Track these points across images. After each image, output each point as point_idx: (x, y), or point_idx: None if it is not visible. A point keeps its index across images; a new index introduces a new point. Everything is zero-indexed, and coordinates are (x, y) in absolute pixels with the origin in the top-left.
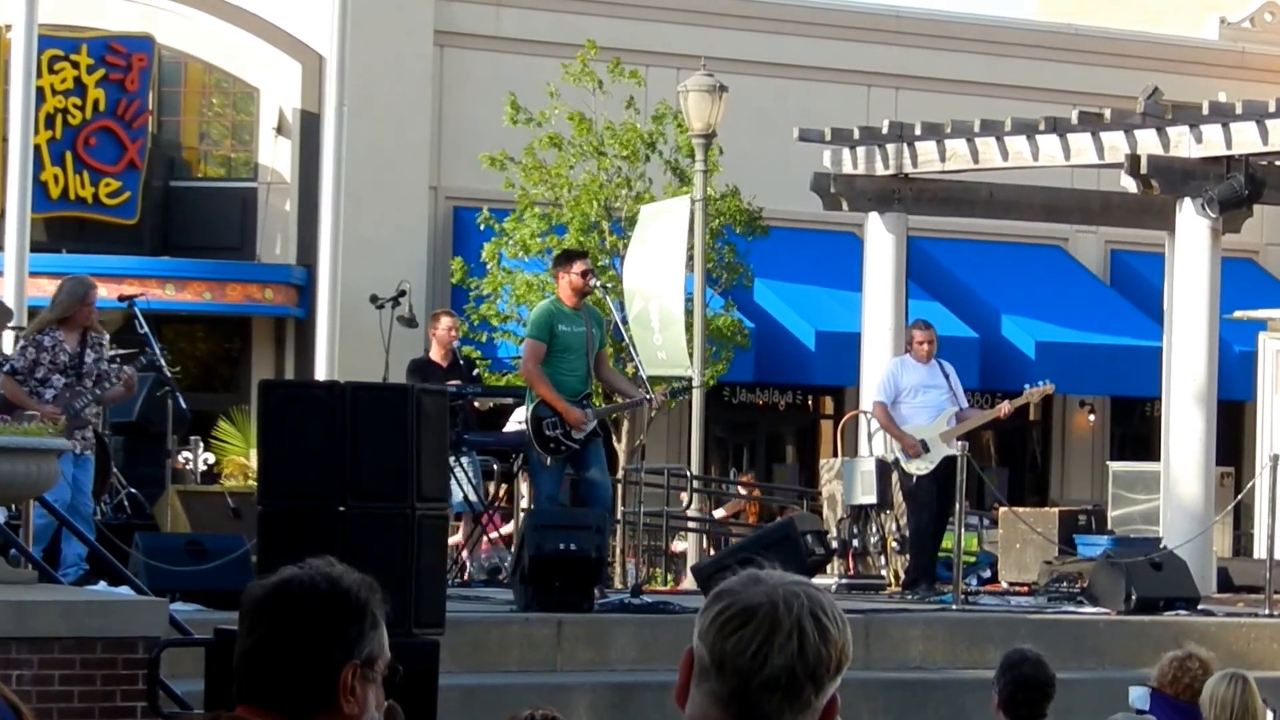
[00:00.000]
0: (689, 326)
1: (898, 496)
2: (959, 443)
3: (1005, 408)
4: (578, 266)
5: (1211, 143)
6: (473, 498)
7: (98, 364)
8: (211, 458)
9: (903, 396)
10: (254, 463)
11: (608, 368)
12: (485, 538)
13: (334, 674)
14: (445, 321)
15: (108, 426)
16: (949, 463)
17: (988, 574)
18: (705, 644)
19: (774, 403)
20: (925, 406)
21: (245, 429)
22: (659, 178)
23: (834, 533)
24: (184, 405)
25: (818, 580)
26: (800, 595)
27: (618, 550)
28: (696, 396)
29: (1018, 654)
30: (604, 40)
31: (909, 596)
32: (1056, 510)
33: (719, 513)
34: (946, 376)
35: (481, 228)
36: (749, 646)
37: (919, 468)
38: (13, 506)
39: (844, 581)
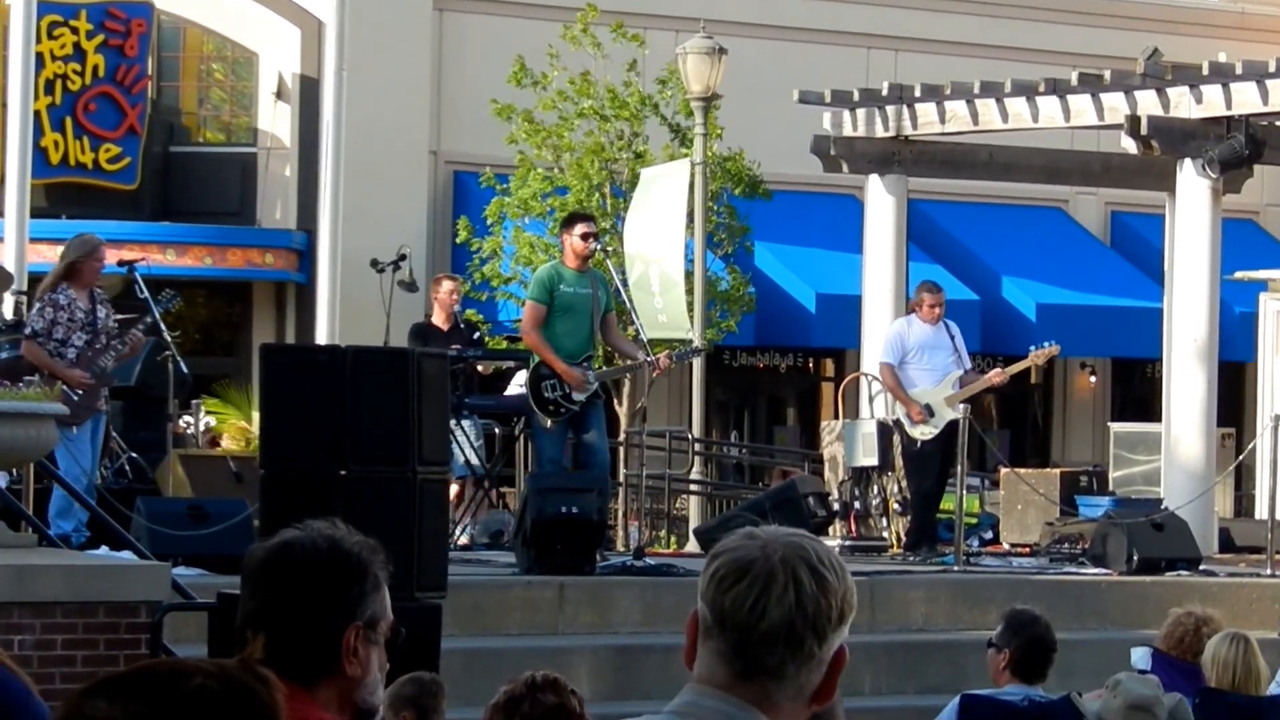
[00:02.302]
0: (690, 290)
1: (899, 458)
2: (962, 405)
3: (1011, 369)
4: (579, 229)
5: (1212, 103)
6: (474, 461)
7: (108, 320)
8: (212, 421)
9: (909, 358)
10: (255, 427)
11: (615, 331)
12: (487, 501)
13: (336, 636)
14: (446, 285)
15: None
16: (952, 426)
17: (989, 535)
18: (706, 602)
19: (775, 365)
20: (931, 369)
21: (239, 401)
22: (659, 138)
23: (835, 495)
24: (185, 369)
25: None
26: (795, 546)
27: (620, 513)
28: (697, 360)
29: (1027, 614)
30: (604, 4)
31: (910, 558)
32: (1058, 471)
33: None
34: (952, 338)
35: (484, 186)
36: (746, 601)
37: (924, 433)
38: (14, 471)
39: (846, 543)
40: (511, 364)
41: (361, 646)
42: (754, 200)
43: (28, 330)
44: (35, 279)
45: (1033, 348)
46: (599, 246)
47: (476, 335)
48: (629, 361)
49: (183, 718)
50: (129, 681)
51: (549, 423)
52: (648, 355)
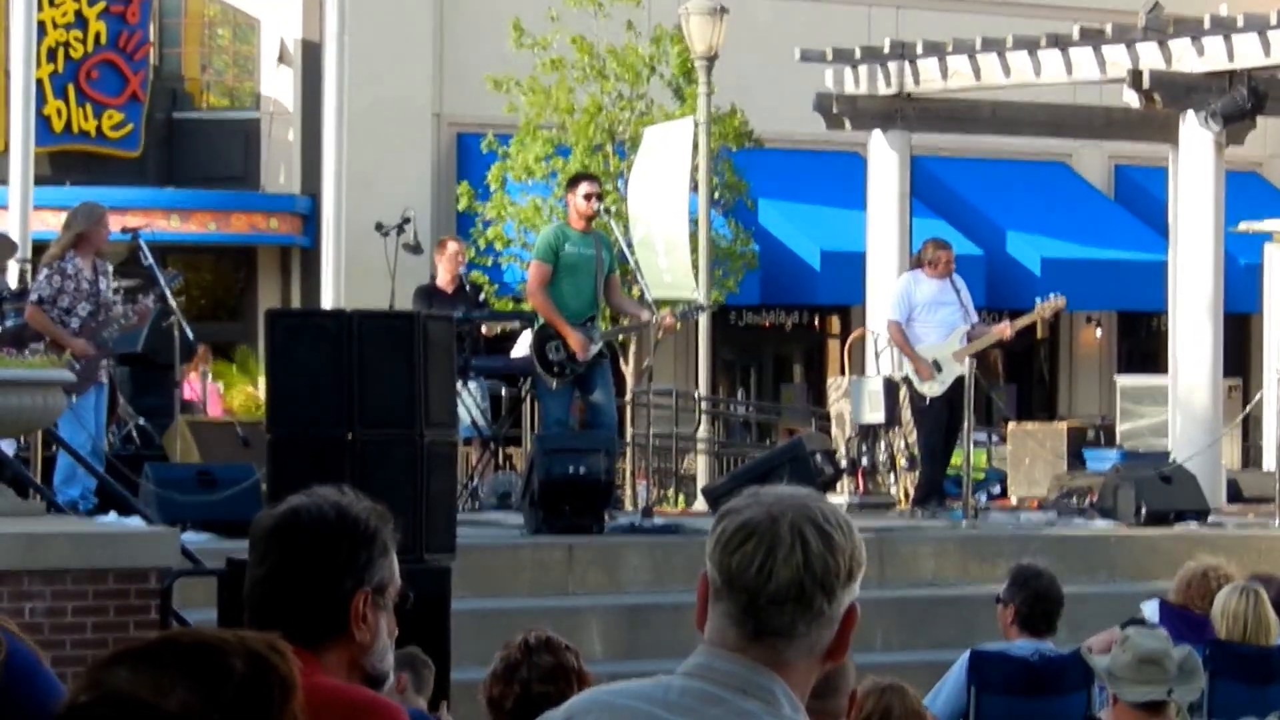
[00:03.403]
0: (695, 249)
1: (906, 414)
2: (968, 359)
3: (1019, 322)
4: (582, 189)
5: (1213, 56)
6: (481, 423)
7: (109, 291)
8: (221, 386)
9: (916, 313)
10: (261, 392)
11: (618, 293)
12: (494, 462)
13: (345, 601)
14: (452, 246)
15: (112, 357)
16: (960, 381)
17: (997, 490)
18: (714, 564)
19: (780, 323)
20: (938, 324)
21: (247, 364)
22: (660, 98)
23: (843, 451)
24: (190, 335)
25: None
26: (801, 506)
27: (628, 473)
28: (703, 319)
29: (1031, 569)
30: None
31: (919, 514)
32: (1065, 425)
33: None
34: (958, 292)
35: (485, 151)
36: (753, 562)
37: (932, 390)
38: (21, 439)
39: (854, 500)
40: (517, 325)
41: (370, 612)
42: (749, 153)
43: (34, 297)
44: (40, 247)
45: (1039, 299)
46: (602, 206)
47: (481, 297)
48: (634, 321)
49: (206, 688)
50: (151, 652)
51: (554, 384)
52: (652, 314)
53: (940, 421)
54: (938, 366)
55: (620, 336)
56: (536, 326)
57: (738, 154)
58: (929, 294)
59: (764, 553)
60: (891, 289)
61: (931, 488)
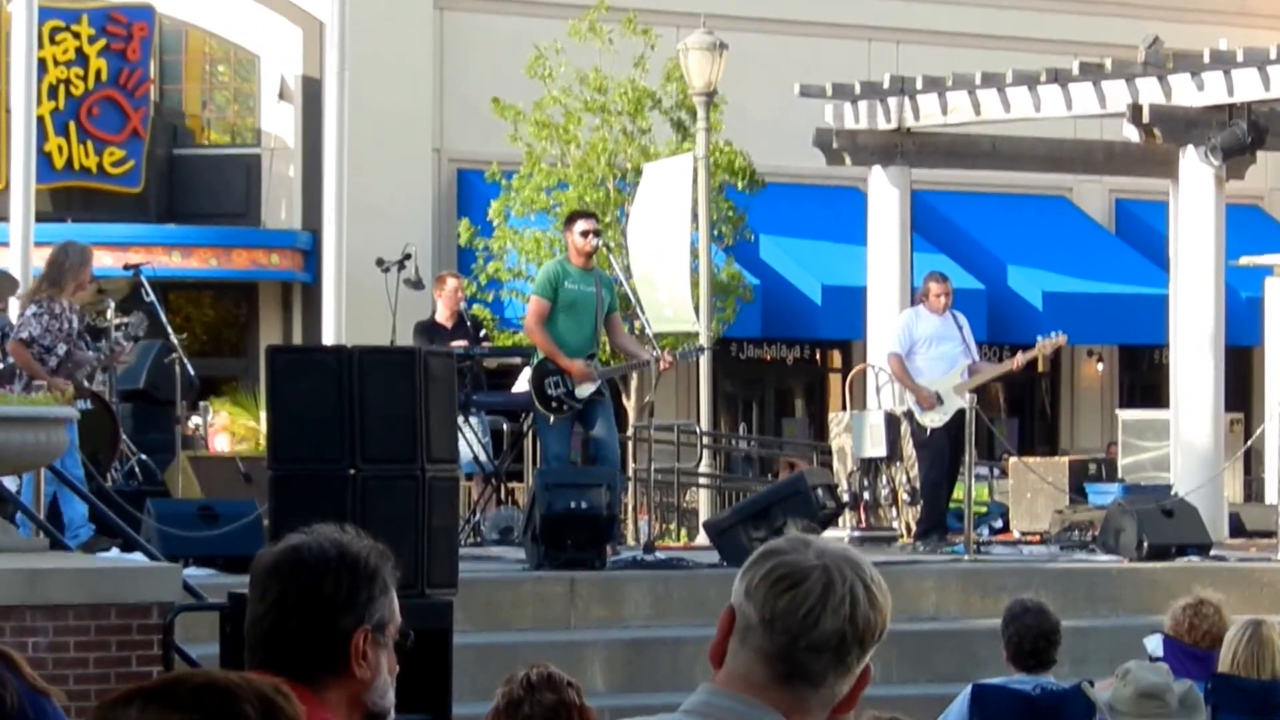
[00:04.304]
0: (695, 284)
1: (907, 448)
2: (969, 394)
3: (1019, 360)
4: (579, 225)
5: (1213, 90)
6: (482, 458)
7: (82, 329)
8: (224, 416)
9: (917, 348)
10: (263, 428)
11: (621, 332)
12: (495, 497)
13: (345, 638)
14: (451, 283)
15: (115, 394)
16: (961, 414)
17: (999, 524)
18: (754, 602)
19: (782, 357)
20: (939, 358)
21: (246, 402)
22: (662, 133)
23: (844, 486)
24: (191, 372)
25: (829, 533)
26: (852, 561)
27: (630, 507)
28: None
29: (1018, 605)
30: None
31: (920, 547)
32: (1067, 459)
33: None
34: (960, 328)
35: (489, 181)
36: (801, 607)
37: (934, 420)
38: (19, 476)
39: (856, 534)
40: (517, 360)
41: (370, 650)
42: (753, 194)
43: (24, 334)
44: None
45: (1039, 337)
46: (600, 242)
47: (482, 332)
48: (633, 360)
49: None
50: (161, 692)
51: (552, 419)
52: (654, 351)
53: (942, 454)
54: (939, 398)
55: (615, 375)
56: (535, 362)
57: (740, 193)
58: (930, 329)
59: (815, 600)
60: (893, 323)
61: (933, 521)
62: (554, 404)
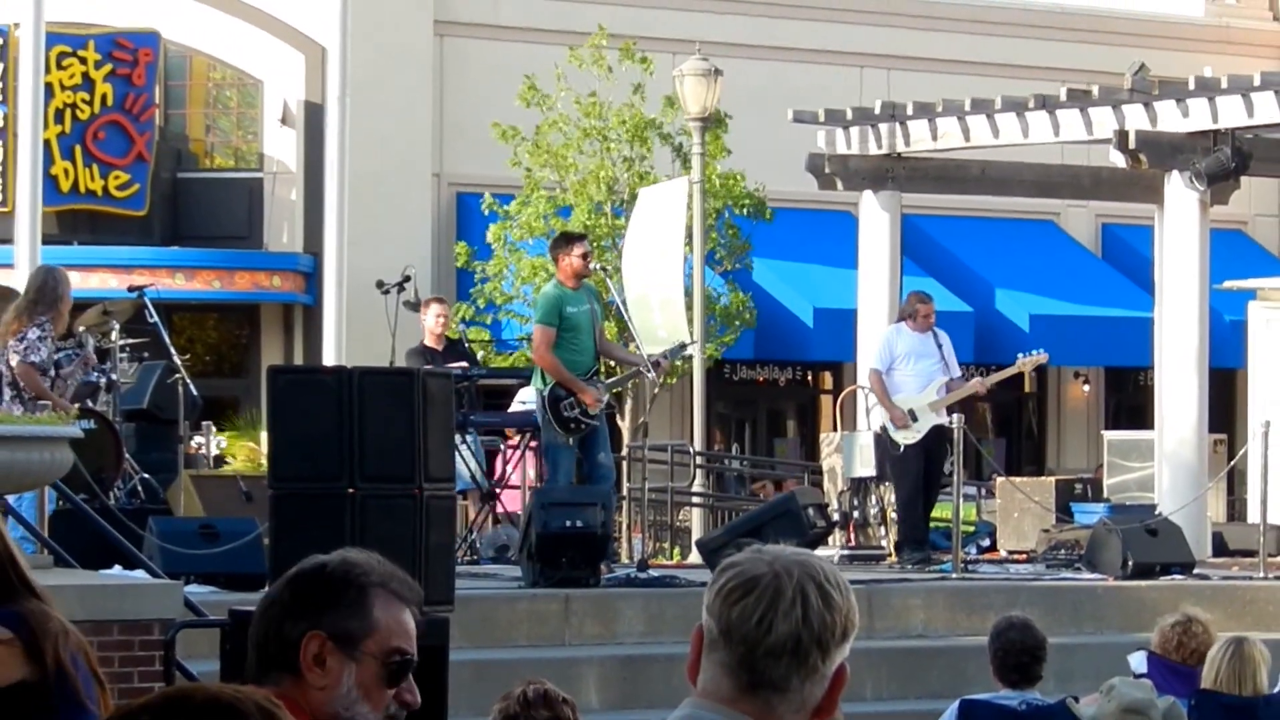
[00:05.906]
0: (689, 306)
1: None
2: (956, 415)
3: (992, 379)
4: (577, 249)
5: (1198, 117)
6: (478, 476)
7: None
8: (224, 442)
9: (896, 364)
10: (264, 448)
11: (605, 340)
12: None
13: (293, 640)
14: (434, 309)
15: (119, 413)
16: (937, 431)
17: (986, 543)
18: (713, 615)
19: (774, 379)
20: (917, 375)
21: (247, 425)
22: (662, 159)
23: (835, 505)
24: (194, 392)
25: (820, 552)
26: (803, 564)
27: (624, 526)
28: (698, 374)
29: (1004, 621)
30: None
31: (901, 562)
32: (1053, 479)
33: None
34: (939, 346)
35: (486, 212)
36: (754, 614)
37: (906, 437)
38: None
39: (845, 553)
40: (513, 381)
41: (330, 658)
42: (758, 222)
43: (33, 359)
44: None
45: (1020, 355)
46: (596, 266)
47: (479, 355)
48: (630, 369)
49: None
50: (166, 707)
51: (570, 440)
52: (645, 361)
53: (912, 469)
54: (913, 416)
55: (619, 387)
56: (546, 388)
57: (745, 219)
58: (910, 345)
59: (765, 605)
60: (875, 339)
61: (906, 535)
62: (571, 425)
